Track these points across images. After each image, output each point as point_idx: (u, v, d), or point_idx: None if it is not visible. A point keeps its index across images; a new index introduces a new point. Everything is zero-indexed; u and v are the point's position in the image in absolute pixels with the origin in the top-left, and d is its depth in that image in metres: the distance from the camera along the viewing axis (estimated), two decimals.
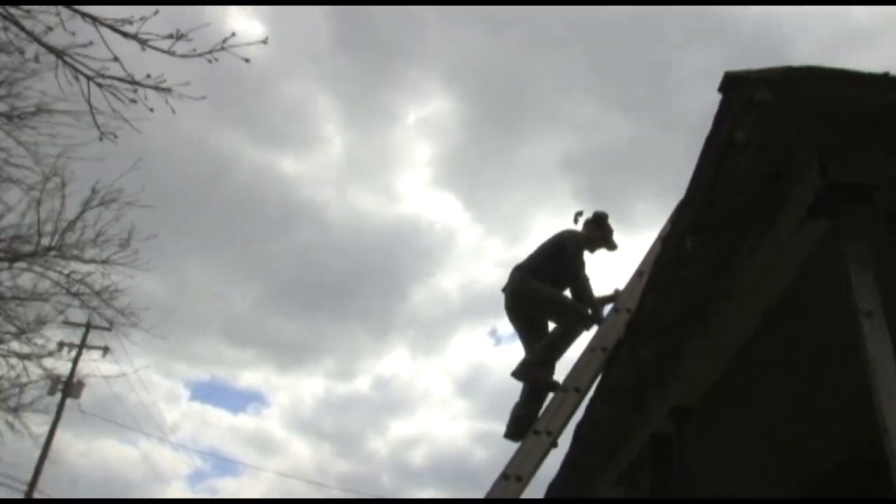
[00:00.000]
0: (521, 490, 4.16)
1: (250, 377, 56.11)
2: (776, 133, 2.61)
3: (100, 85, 4.07)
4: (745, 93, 2.48)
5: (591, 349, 4.73)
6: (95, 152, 11.18)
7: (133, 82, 3.97)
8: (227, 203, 47.74)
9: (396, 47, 55.84)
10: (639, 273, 5.05)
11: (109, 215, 11.28)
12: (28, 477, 25.70)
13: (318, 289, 56.06)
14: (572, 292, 5.43)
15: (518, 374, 5.15)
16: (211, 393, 66.07)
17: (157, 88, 4.00)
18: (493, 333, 70.36)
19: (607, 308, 5.20)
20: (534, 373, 5.07)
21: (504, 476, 4.20)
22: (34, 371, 10.76)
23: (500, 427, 5.11)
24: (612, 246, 5.87)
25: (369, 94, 58.36)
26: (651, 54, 58.52)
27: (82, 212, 10.49)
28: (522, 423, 4.88)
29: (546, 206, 68.35)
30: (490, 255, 64.48)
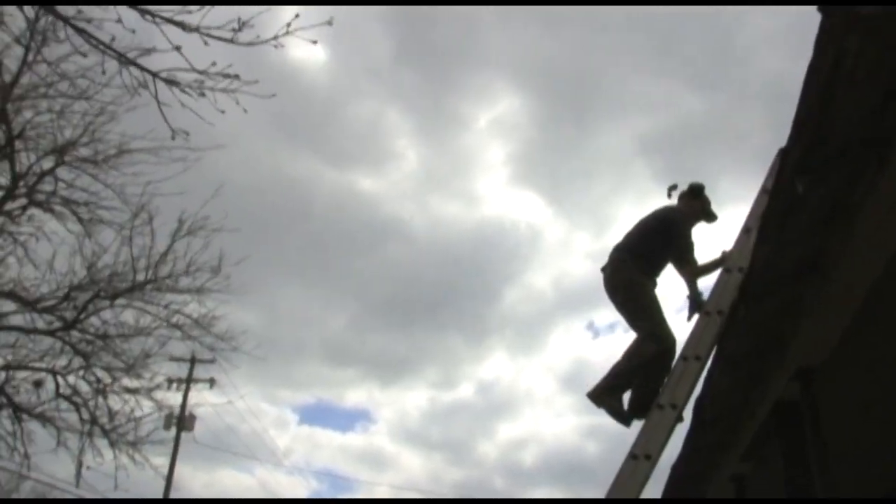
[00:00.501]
0: (651, 469, 3.97)
1: (354, 395, 57.01)
2: (888, 53, 2.37)
3: (166, 81, 4.06)
4: (847, 9, 2.25)
5: (706, 313, 4.49)
6: (177, 186, 11.62)
7: (199, 71, 3.93)
8: (311, 227, 48.74)
9: (457, 52, 55.90)
10: (746, 230, 4.79)
11: (198, 244, 11.69)
12: None
13: (411, 301, 56.56)
14: (680, 273, 5.21)
15: (593, 397, 4.99)
16: (318, 415, 67.33)
17: (224, 75, 3.97)
18: (591, 326, 69.39)
19: (715, 274, 4.97)
20: (609, 401, 4.91)
21: (633, 456, 4.02)
22: (146, 404, 11.18)
23: (608, 420, 4.94)
24: (711, 217, 5.61)
25: (437, 103, 58.60)
26: (712, 24, 56.85)
27: (172, 243, 10.90)
28: (639, 403, 4.73)
29: (627, 192, 67.14)
30: (578, 247, 63.73)
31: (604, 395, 4.92)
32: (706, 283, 5.20)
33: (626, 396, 5.02)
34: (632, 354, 4.97)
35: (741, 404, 4.30)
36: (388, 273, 55.71)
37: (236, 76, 3.97)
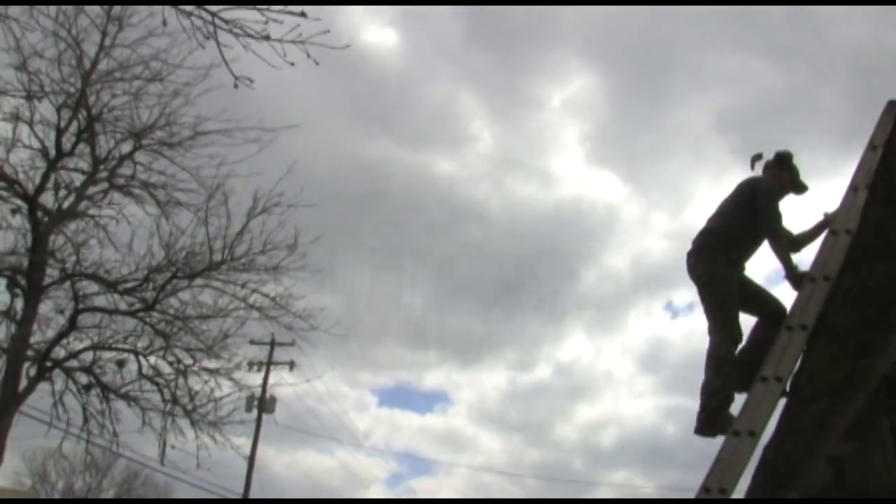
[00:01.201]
0: (755, 445, 3.71)
1: (434, 377, 57.32)
2: None
3: (227, 22, 3.87)
4: None
5: (811, 279, 4.15)
6: (252, 167, 11.68)
7: (261, 7, 3.72)
8: (388, 209, 48.95)
9: (528, 33, 55.19)
10: (853, 188, 4.41)
11: (274, 222, 11.75)
12: (240, 489, 27.43)
13: (489, 283, 56.41)
14: (773, 249, 4.86)
15: (702, 431, 4.68)
16: (397, 397, 67.99)
17: (289, 13, 3.74)
18: (669, 306, 68.11)
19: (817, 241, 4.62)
20: (722, 425, 4.47)
21: (735, 433, 3.76)
22: (226, 385, 11.32)
23: (688, 401, 4.67)
24: (800, 188, 5.19)
25: (510, 84, 58.04)
26: None
27: (247, 221, 10.96)
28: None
29: (705, 169, 65.38)
30: (655, 226, 62.51)
31: (711, 422, 4.61)
32: (805, 257, 4.85)
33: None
34: (719, 364, 4.66)
35: (845, 380, 3.97)
36: (466, 254, 55.70)
37: (303, 14, 3.74)
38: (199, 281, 10.98)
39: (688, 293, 79.02)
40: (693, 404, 4.73)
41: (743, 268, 5.04)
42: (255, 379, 26.77)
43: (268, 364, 26.93)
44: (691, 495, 4.01)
